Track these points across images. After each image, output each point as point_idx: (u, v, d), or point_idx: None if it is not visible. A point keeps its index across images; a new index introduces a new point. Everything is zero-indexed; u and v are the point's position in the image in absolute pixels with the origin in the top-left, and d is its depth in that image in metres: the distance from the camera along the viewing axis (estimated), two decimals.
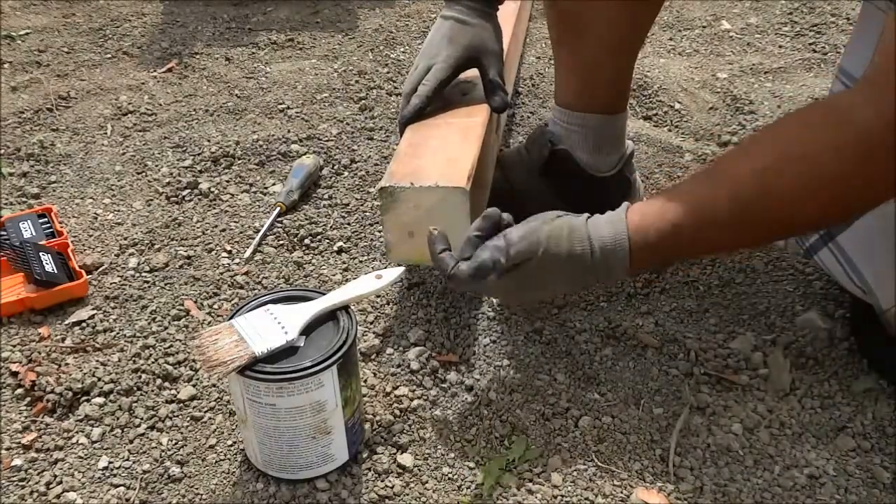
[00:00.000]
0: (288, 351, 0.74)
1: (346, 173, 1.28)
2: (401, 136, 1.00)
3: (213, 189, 1.24)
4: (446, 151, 0.93)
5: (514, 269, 0.76)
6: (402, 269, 0.85)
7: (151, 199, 1.23)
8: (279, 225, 1.16)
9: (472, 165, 0.90)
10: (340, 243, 1.12)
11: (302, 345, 0.75)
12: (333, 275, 1.07)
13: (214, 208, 1.21)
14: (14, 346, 0.95)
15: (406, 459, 0.82)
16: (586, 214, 0.78)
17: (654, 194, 0.80)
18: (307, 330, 0.77)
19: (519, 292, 0.79)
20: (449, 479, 0.81)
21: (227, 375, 0.73)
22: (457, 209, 0.88)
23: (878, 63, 0.67)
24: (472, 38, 0.99)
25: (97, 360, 0.94)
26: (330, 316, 0.78)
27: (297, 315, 0.77)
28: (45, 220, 1.13)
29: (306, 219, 1.17)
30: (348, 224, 1.17)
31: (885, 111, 0.64)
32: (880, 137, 0.65)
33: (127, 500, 0.79)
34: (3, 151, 1.33)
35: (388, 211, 0.89)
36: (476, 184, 0.93)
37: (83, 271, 1.05)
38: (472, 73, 1.02)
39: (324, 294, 0.80)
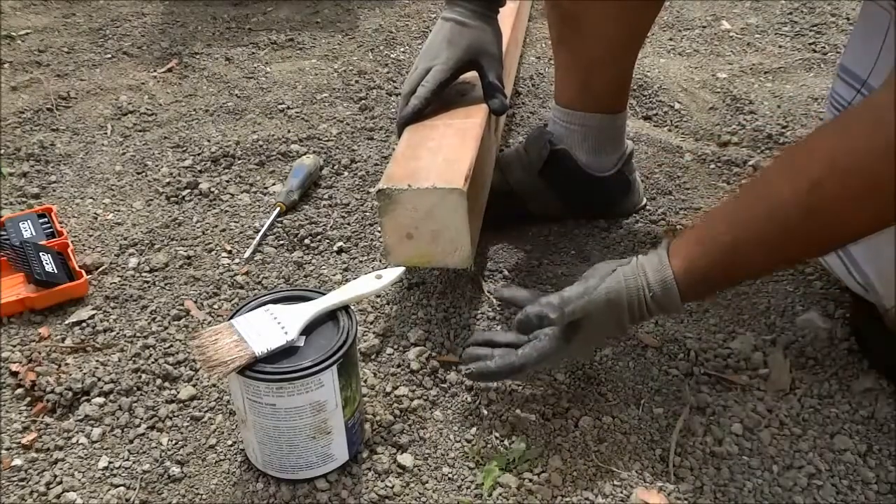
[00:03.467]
0: (288, 351, 0.74)
1: (346, 173, 1.28)
2: (399, 137, 1.00)
3: (213, 189, 1.24)
4: (444, 153, 0.93)
5: (570, 327, 0.78)
6: (401, 269, 0.85)
7: (151, 199, 1.23)
8: (279, 225, 1.16)
9: (470, 166, 0.90)
10: (340, 243, 1.12)
11: (302, 345, 0.75)
12: (333, 275, 1.07)
13: (214, 208, 1.21)
14: (14, 346, 0.96)
15: (406, 459, 0.82)
16: (635, 265, 0.78)
17: (696, 223, 0.79)
18: (307, 330, 0.77)
19: (572, 348, 0.80)
20: (449, 479, 0.81)
21: (227, 375, 0.73)
22: (454, 210, 0.88)
23: None
24: (471, 41, 0.99)
25: (97, 360, 0.94)
26: (330, 316, 0.78)
27: (297, 315, 0.77)
28: (45, 220, 1.13)
29: (306, 219, 1.17)
30: (348, 224, 1.17)
31: None
32: None
33: (127, 500, 0.79)
34: (3, 151, 1.33)
35: (386, 213, 0.89)
36: (475, 184, 0.93)
37: (83, 271, 1.05)
38: (472, 74, 1.02)
39: (324, 294, 0.80)
